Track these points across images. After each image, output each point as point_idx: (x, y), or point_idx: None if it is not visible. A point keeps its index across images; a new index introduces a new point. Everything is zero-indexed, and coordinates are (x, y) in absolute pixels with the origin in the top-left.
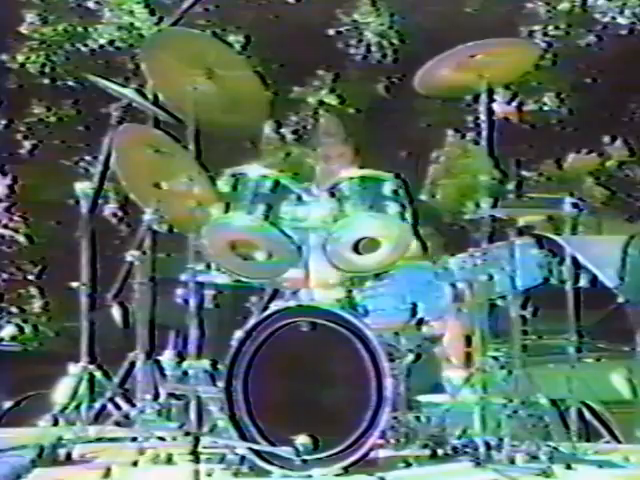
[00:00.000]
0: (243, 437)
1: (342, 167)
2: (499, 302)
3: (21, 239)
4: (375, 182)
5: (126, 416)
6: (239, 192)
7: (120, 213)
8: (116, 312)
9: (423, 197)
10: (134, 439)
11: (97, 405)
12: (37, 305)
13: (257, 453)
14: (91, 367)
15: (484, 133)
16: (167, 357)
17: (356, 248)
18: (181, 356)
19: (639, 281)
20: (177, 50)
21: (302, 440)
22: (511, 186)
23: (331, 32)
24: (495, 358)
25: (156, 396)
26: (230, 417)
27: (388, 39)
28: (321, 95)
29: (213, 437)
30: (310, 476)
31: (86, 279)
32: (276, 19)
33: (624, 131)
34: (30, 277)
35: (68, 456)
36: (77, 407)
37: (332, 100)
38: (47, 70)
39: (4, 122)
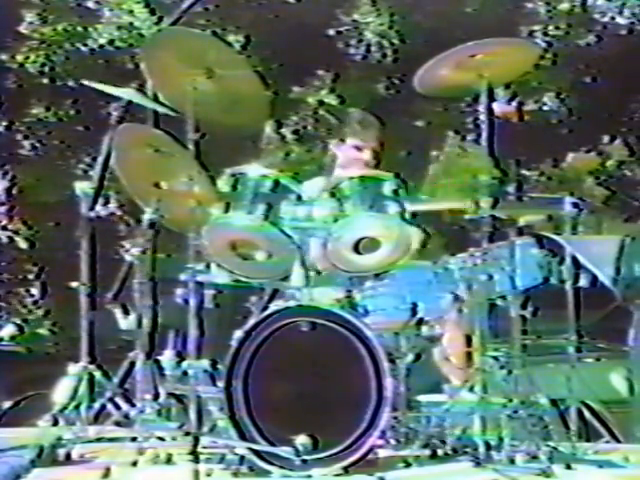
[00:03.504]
0: (243, 437)
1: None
2: (499, 302)
3: (21, 240)
4: (375, 182)
5: (126, 416)
6: (239, 192)
7: (120, 213)
8: (117, 312)
9: (423, 197)
10: (134, 439)
11: (97, 405)
12: (37, 305)
13: (257, 453)
14: (91, 367)
15: (484, 133)
16: (167, 357)
17: (356, 248)
18: (181, 356)
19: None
20: (177, 50)
21: (302, 440)
22: (511, 186)
23: (331, 32)
24: (495, 358)
25: (156, 396)
26: (230, 417)
27: (388, 39)
28: (321, 95)
29: (213, 437)
30: (310, 476)
31: (86, 279)
32: (276, 19)
33: (624, 131)
34: (30, 277)
35: (68, 456)
36: (77, 407)
37: (332, 100)
38: (46, 70)
39: (4, 122)
